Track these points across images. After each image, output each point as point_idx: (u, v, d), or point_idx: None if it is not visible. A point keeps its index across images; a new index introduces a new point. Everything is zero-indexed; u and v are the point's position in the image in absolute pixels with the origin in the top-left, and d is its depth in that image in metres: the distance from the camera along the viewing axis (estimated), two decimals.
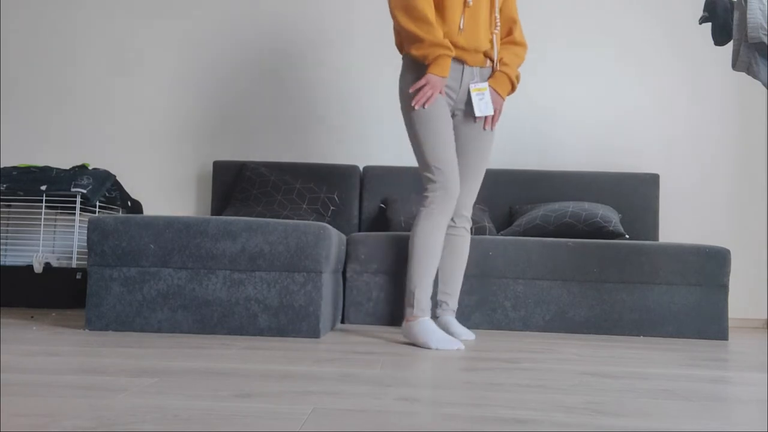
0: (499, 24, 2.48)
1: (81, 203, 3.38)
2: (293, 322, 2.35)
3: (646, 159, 3.95)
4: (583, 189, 3.71)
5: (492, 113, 2.47)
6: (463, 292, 3.02)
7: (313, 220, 2.91)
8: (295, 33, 4.03)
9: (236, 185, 3.66)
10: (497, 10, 2.47)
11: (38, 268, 3.26)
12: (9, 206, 3.76)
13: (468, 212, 2.56)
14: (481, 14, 2.42)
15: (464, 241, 2.57)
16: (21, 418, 1.01)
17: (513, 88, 2.52)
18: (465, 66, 2.44)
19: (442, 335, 2.24)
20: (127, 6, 4.05)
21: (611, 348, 2.40)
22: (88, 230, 2.38)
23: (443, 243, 2.50)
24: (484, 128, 2.50)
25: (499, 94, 2.48)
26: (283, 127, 3.99)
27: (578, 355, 2.13)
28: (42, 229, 3.47)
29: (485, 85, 2.45)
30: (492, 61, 2.49)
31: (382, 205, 3.66)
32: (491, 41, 2.47)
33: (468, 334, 2.51)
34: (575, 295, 3.01)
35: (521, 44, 2.54)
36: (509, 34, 2.54)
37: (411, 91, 2.34)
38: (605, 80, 3.99)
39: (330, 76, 4.01)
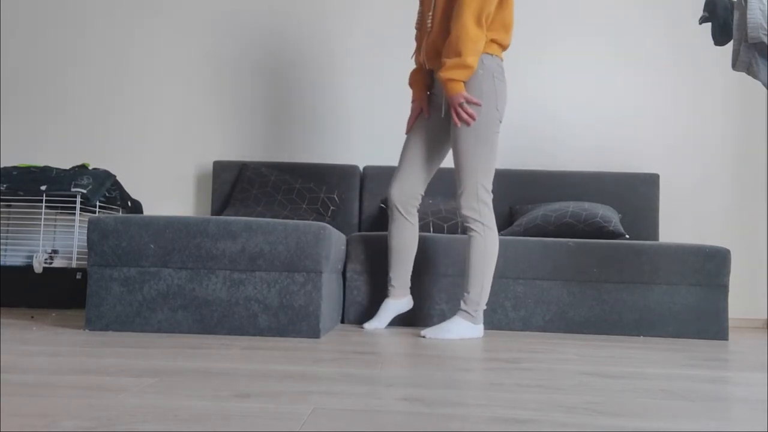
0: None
1: (81, 203, 3.38)
2: (293, 322, 2.35)
3: (646, 159, 3.95)
4: (583, 189, 3.71)
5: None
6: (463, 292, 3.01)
7: (313, 220, 2.91)
8: (296, 33, 4.03)
9: (236, 185, 3.66)
10: None
11: (38, 268, 3.26)
12: (9, 206, 3.76)
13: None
14: None
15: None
16: (21, 418, 1.01)
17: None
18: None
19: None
20: (127, 6, 4.05)
21: (611, 348, 2.40)
22: (88, 230, 2.38)
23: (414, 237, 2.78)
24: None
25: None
26: (283, 127, 3.99)
27: (578, 355, 2.13)
28: (42, 229, 3.47)
29: None
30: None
31: (383, 205, 3.66)
32: None
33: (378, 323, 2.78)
34: (575, 295, 3.01)
35: None
36: None
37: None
38: (605, 80, 3.99)
39: (330, 76, 4.01)
